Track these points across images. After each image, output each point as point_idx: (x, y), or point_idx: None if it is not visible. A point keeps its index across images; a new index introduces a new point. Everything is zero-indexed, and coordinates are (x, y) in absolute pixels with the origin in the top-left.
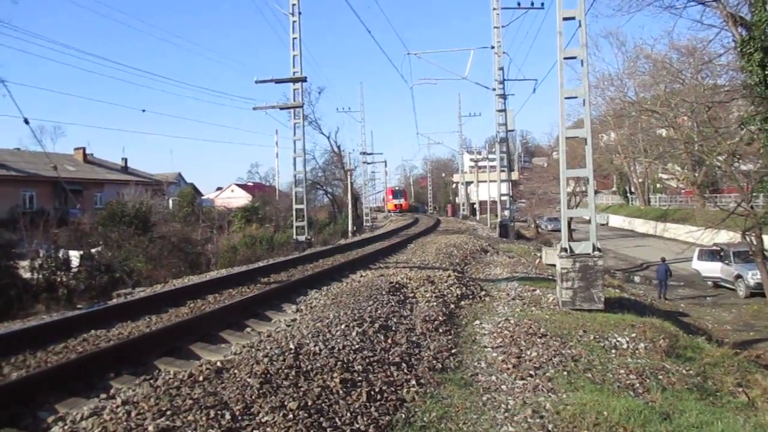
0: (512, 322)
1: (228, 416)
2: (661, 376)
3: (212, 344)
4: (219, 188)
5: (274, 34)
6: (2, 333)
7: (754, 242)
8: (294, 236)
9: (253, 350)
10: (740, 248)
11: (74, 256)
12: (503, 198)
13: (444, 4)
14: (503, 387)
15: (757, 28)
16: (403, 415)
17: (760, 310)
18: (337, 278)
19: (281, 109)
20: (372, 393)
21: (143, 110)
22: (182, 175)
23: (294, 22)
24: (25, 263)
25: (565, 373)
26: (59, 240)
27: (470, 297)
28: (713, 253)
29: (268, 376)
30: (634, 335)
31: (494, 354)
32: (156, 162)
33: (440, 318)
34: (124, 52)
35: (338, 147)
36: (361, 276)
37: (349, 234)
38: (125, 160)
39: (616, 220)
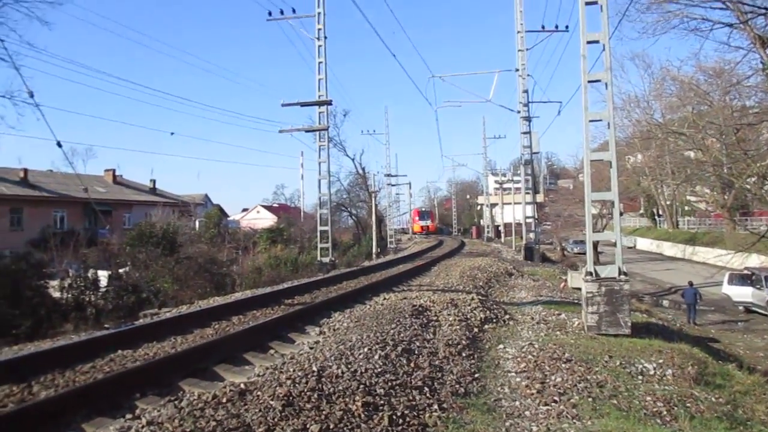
0: (536, 346)
1: None
2: (689, 404)
3: (236, 366)
4: (245, 209)
5: (300, 59)
6: (32, 352)
7: None
8: (318, 258)
9: (276, 372)
10: None
11: (103, 276)
12: (528, 220)
13: (468, 27)
14: (527, 413)
15: None
16: None
17: None
18: (360, 301)
19: (306, 131)
20: (394, 417)
21: (172, 133)
22: (209, 196)
23: (320, 46)
24: (55, 283)
25: (590, 399)
26: (88, 260)
27: (494, 321)
28: (744, 278)
29: (291, 398)
30: (661, 361)
31: (518, 379)
32: (183, 183)
33: (463, 342)
34: (154, 76)
35: (363, 169)
36: (384, 299)
37: (374, 256)
38: (153, 181)
39: (644, 243)
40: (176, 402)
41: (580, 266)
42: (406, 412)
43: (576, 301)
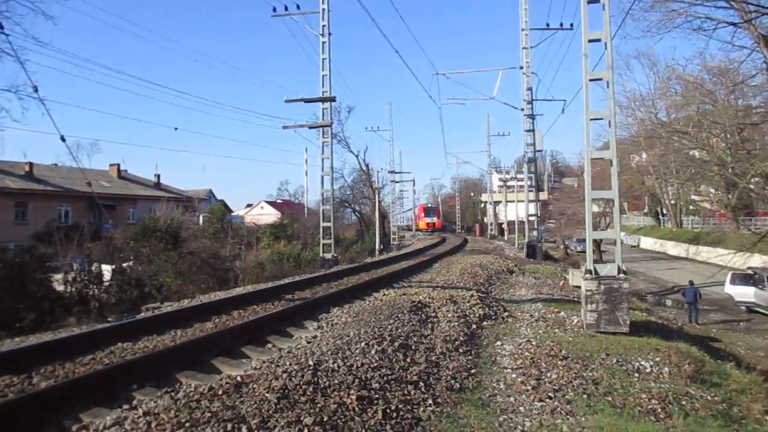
0: (534, 343)
1: (245, 430)
2: (684, 402)
3: (233, 359)
4: (249, 205)
5: (305, 55)
6: (34, 344)
7: None
8: (321, 254)
9: (273, 366)
10: None
11: (106, 270)
12: (531, 218)
13: (473, 24)
14: (521, 408)
15: None
16: None
17: None
18: (360, 296)
19: (310, 128)
20: (388, 411)
21: (175, 128)
22: (213, 191)
23: (323, 42)
24: (59, 276)
25: (584, 396)
26: (92, 254)
27: (493, 318)
28: (747, 277)
29: (286, 391)
30: (658, 359)
31: (514, 375)
32: (188, 179)
33: (461, 338)
34: (158, 72)
35: (367, 166)
36: (384, 295)
37: (377, 252)
38: (158, 176)
39: (648, 242)
40: (173, 393)
41: (582, 264)
42: (400, 406)
43: (576, 299)
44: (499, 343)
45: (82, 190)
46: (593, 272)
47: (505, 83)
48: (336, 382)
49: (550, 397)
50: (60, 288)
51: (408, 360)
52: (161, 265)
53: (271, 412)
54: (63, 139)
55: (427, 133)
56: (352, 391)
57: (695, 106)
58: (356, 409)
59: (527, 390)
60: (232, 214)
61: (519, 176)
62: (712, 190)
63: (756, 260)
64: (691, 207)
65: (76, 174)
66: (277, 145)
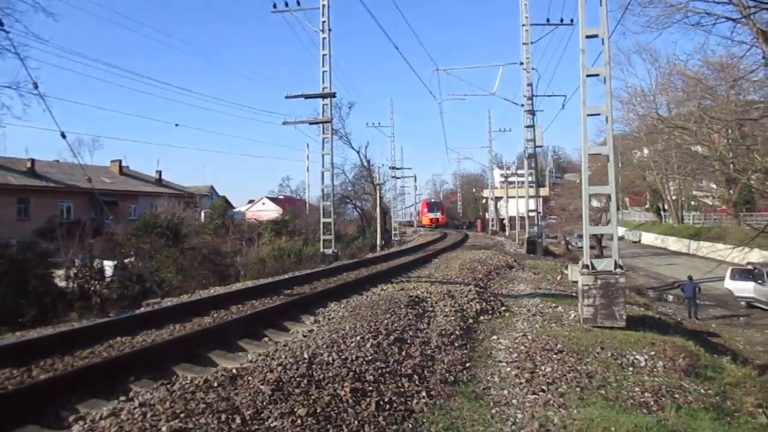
0: (530, 337)
1: (238, 420)
2: (677, 395)
3: (230, 352)
4: (251, 201)
5: (305, 51)
6: (34, 338)
7: None
8: (321, 249)
9: (268, 359)
10: None
11: (108, 266)
12: (531, 214)
13: (473, 20)
14: (514, 401)
15: None
16: (410, 425)
17: None
18: (358, 291)
19: (310, 123)
20: (381, 403)
21: (176, 124)
22: (215, 188)
23: (324, 38)
24: (60, 272)
25: (578, 389)
26: (94, 250)
27: (490, 312)
28: (746, 273)
29: (281, 383)
30: (653, 353)
31: (508, 369)
32: (189, 175)
33: (457, 332)
34: (159, 68)
35: (368, 161)
36: (382, 289)
37: (378, 248)
38: (159, 172)
39: (649, 238)
40: (168, 385)
41: (582, 260)
42: (393, 398)
43: (574, 294)
44: (495, 337)
45: (83, 187)
46: (590, 267)
47: (505, 79)
48: (330, 374)
49: (543, 390)
50: (62, 284)
51: (403, 353)
52: (162, 261)
53: (265, 403)
54: (63, 136)
55: (428, 129)
56: (346, 384)
57: (696, 102)
58: (350, 400)
59: (521, 383)
60: (234, 210)
61: (520, 172)
62: (714, 186)
63: (755, 255)
64: (692, 203)
65: (77, 170)
66: (279, 141)
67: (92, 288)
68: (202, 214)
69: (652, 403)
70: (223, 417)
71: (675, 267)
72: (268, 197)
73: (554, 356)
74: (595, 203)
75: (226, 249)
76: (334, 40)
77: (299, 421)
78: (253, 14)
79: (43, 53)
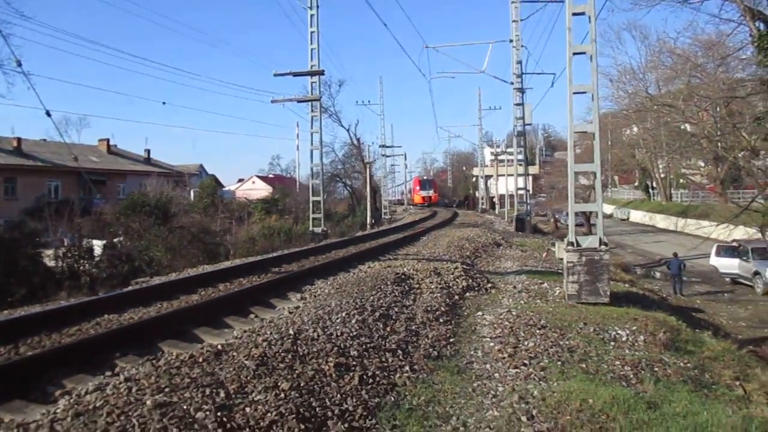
0: (514, 313)
1: (222, 394)
2: (657, 368)
3: (216, 329)
4: (240, 180)
5: (294, 29)
6: (21, 316)
7: None
8: (310, 228)
9: (254, 335)
10: (759, 244)
11: (97, 245)
12: (520, 192)
13: None
14: (496, 375)
15: None
16: (393, 398)
17: None
18: (345, 269)
19: (299, 101)
20: (364, 377)
21: (163, 102)
22: (204, 166)
23: (312, 15)
24: (49, 252)
25: (559, 363)
26: (83, 229)
27: (476, 289)
28: (731, 250)
29: (265, 358)
30: (634, 328)
31: (492, 344)
32: (179, 154)
33: (442, 308)
34: (145, 46)
35: (358, 140)
36: (369, 267)
37: (368, 226)
38: (148, 151)
39: (637, 216)
40: (154, 361)
41: None
42: (377, 372)
43: (560, 271)
44: (480, 313)
45: (71, 166)
46: (575, 244)
47: (495, 57)
48: (315, 350)
49: (525, 364)
50: (51, 263)
51: (388, 329)
52: (151, 240)
53: (249, 377)
54: (48, 114)
55: (418, 107)
56: (330, 359)
57: (685, 80)
58: (333, 375)
59: (503, 358)
60: (224, 188)
61: (510, 150)
62: (702, 164)
63: (740, 232)
64: (681, 180)
65: (65, 149)
66: (270, 120)
67: (81, 267)
68: (192, 192)
69: (632, 376)
70: (208, 391)
71: (663, 244)
72: (258, 176)
73: (537, 331)
74: (584, 181)
75: (216, 228)
76: (323, 18)
77: (282, 395)
78: None
79: (27, 31)
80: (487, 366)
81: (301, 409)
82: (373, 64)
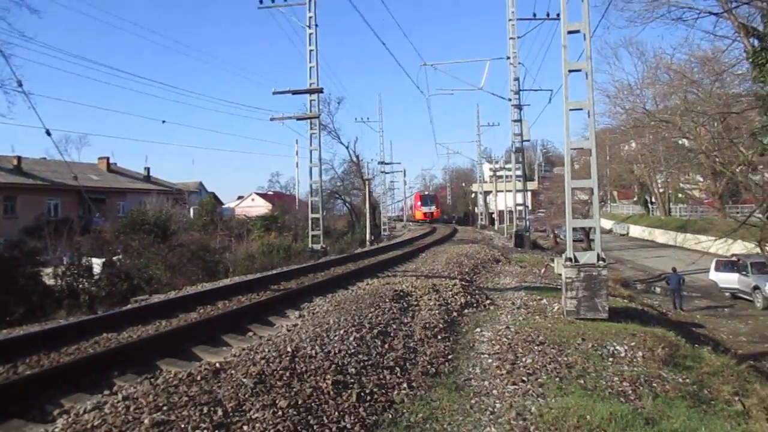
0: (512, 329)
1: (220, 412)
2: (655, 384)
3: (214, 347)
4: (240, 197)
5: (293, 47)
6: (20, 335)
7: None
8: (310, 245)
9: (252, 353)
10: (758, 259)
11: (96, 263)
12: (519, 208)
13: (460, 15)
14: (494, 391)
15: None
16: (390, 416)
17: None
18: (344, 286)
19: (298, 119)
20: (362, 394)
21: (163, 121)
22: (203, 184)
23: (311, 34)
24: (48, 270)
25: (557, 379)
26: (82, 248)
27: (474, 305)
28: (731, 264)
29: (263, 376)
30: (633, 344)
31: (490, 360)
32: (178, 171)
33: (440, 325)
34: (145, 65)
35: (357, 156)
36: (368, 284)
37: (367, 243)
38: (148, 169)
39: (636, 231)
40: (152, 379)
41: None
42: (374, 390)
43: (559, 287)
44: (478, 329)
45: (71, 184)
46: (573, 260)
47: (492, 73)
48: (313, 367)
49: (524, 381)
50: (50, 282)
51: (386, 346)
52: (151, 258)
53: (247, 395)
54: (48, 133)
55: (417, 123)
56: (328, 376)
57: (681, 95)
58: (331, 392)
59: (502, 374)
60: (223, 206)
61: (509, 166)
62: (700, 179)
63: (738, 247)
64: (679, 195)
65: (64, 168)
66: (270, 137)
67: (80, 286)
68: (191, 210)
69: (630, 392)
70: (205, 409)
71: (662, 259)
72: (257, 193)
73: (536, 348)
74: (583, 196)
75: (215, 245)
76: (321, 36)
77: (280, 413)
78: (241, 10)
79: (28, 51)
80: (485, 383)
81: (298, 427)
82: (371, 82)
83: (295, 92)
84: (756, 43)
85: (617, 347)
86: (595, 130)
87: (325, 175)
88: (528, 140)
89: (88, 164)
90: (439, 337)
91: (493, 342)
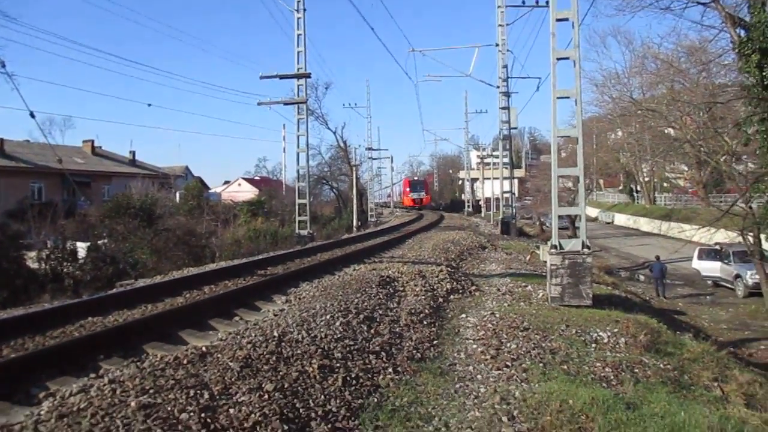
0: (497, 315)
1: (207, 395)
2: (637, 370)
3: (201, 331)
4: (227, 182)
5: (281, 32)
6: (4, 318)
7: (752, 242)
8: (297, 230)
9: (238, 337)
10: (740, 248)
11: (81, 247)
12: (506, 195)
13: (449, 0)
14: (478, 376)
15: (756, 29)
16: (376, 399)
17: (757, 310)
18: (330, 271)
19: (285, 104)
20: (348, 379)
21: (149, 104)
22: (190, 168)
23: (299, 18)
24: (32, 254)
25: (541, 364)
26: (67, 231)
27: (460, 291)
28: (713, 253)
29: (250, 360)
30: (616, 330)
31: (474, 346)
32: (164, 155)
33: (426, 311)
34: (131, 48)
35: (344, 142)
36: (354, 269)
37: (354, 229)
38: (133, 153)
39: (622, 219)
40: (138, 363)
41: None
42: (360, 374)
43: (544, 274)
44: (464, 315)
45: (55, 167)
46: (558, 247)
47: (481, 60)
48: (299, 351)
49: (508, 366)
50: (34, 265)
51: (372, 331)
52: (136, 242)
53: (233, 379)
54: (32, 115)
55: (405, 110)
56: (314, 360)
57: (668, 85)
58: (317, 376)
59: (486, 359)
60: (210, 191)
61: (496, 153)
62: (685, 168)
63: (721, 236)
64: (664, 184)
65: (48, 150)
66: (257, 122)
67: (65, 270)
68: (177, 194)
69: (612, 377)
70: (192, 392)
71: (646, 247)
72: (244, 178)
73: (520, 333)
74: (569, 184)
75: (201, 230)
76: (310, 21)
77: (267, 396)
78: None
79: (11, 32)
80: (470, 368)
81: (284, 410)
82: (359, 67)
83: (282, 77)
84: (742, 33)
85: (600, 333)
86: (582, 118)
87: (312, 161)
88: (515, 128)
89: (73, 147)
90: (425, 322)
91: (478, 327)
